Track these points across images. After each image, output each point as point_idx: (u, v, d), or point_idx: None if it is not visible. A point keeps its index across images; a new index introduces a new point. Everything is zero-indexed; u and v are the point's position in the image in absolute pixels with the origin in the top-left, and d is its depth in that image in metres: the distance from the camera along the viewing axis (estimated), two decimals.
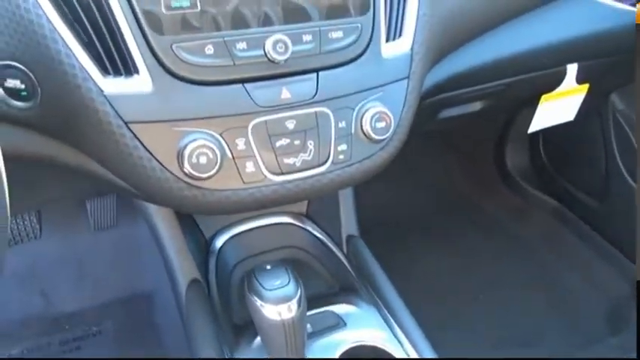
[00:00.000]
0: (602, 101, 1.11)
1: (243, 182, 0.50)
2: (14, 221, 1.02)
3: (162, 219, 0.70)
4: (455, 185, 1.32)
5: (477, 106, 0.89)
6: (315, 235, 0.78)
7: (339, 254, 0.77)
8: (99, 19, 0.45)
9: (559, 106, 0.91)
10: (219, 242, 0.73)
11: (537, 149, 1.33)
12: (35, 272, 1.02)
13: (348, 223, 0.79)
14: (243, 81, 0.50)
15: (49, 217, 1.03)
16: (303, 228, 0.78)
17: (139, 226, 0.95)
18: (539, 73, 0.83)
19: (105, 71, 0.46)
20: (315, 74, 0.52)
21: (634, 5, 0.83)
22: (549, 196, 1.34)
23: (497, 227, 1.26)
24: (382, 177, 0.61)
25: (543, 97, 0.88)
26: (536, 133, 1.14)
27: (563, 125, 0.97)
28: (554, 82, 0.87)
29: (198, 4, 0.47)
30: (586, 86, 0.90)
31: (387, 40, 0.56)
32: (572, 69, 0.86)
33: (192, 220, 0.75)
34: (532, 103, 0.91)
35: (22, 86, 0.46)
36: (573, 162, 1.26)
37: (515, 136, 1.32)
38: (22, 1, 0.44)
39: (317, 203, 0.80)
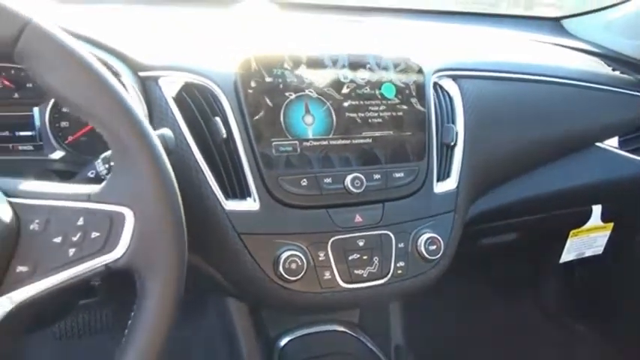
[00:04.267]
0: (629, 239, 1.20)
1: (321, 287, 0.62)
2: (87, 314, 1.13)
3: (238, 316, 0.81)
4: (493, 316, 1.36)
5: (512, 236, 1.01)
6: (366, 345, 0.86)
7: None
8: (228, 158, 0.62)
9: (587, 241, 1.01)
10: (282, 342, 0.83)
11: (572, 277, 1.38)
12: None
13: (397, 335, 0.87)
14: (326, 207, 0.64)
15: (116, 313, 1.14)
16: (355, 337, 0.87)
17: (190, 329, 1.05)
18: (567, 211, 0.95)
19: (227, 195, 0.62)
20: (381, 204, 0.66)
21: None
22: (587, 328, 1.36)
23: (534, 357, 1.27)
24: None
25: (572, 232, 0.99)
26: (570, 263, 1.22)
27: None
28: (581, 219, 0.99)
29: (298, 149, 0.64)
30: (611, 225, 1.01)
31: (438, 180, 0.71)
32: (596, 209, 0.98)
33: (262, 321, 0.86)
34: (562, 237, 1.02)
35: None
36: (608, 293, 1.31)
37: (548, 267, 1.39)
38: (179, 141, 0.61)
39: (368, 314, 0.89)
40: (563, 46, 1.09)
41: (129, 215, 0.41)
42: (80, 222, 0.40)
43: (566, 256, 1.01)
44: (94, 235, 0.40)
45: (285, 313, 0.83)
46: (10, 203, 0.39)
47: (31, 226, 0.39)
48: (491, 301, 1.33)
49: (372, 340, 0.86)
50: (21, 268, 0.39)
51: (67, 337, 1.06)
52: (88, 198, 0.41)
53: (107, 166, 0.51)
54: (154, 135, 0.43)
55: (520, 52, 0.99)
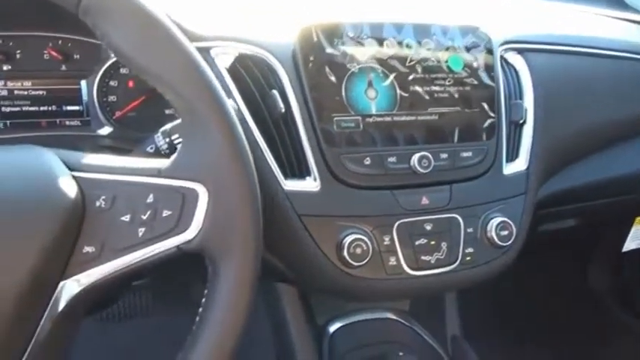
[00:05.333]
0: None
1: (386, 274, 0.58)
2: (128, 297, 1.11)
3: (288, 301, 0.78)
4: (539, 302, 1.31)
5: (570, 222, 0.95)
6: (419, 334, 0.82)
7: (444, 355, 0.80)
8: (286, 134, 0.58)
9: None
10: (331, 329, 0.79)
11: (620, 265, 1.32)
12: (139, 348, 1.09)
13: (453, 324, 0.83)
14: (391, 188, 0.59)
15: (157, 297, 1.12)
16: (409, 326, 0.82)
17: None
18: (633, 196, 0.89)
19: (286, 174, 0.58)
20: (449, 186, 0.62)
21: None
22: (635, 318, 1.30)
23: (585, 350, 1.22)
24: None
25: (638, 218, 0.92)
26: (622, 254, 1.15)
27: None
28: None
29: (361, 126, 0.59)
30: None
31: (507, 161, 0.66)
32: None
33: (310, 308, 0.82)
34: (625, 225, 0.96)
35: None
36: None
37: (598, 254, 1.32)
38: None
39: (421, 302, 0.85)
40: (626, 20, 1.02)
41: (202, 192, 0.37)
42: (150, 199, 0.36)
43: (630, 244, 0.95)
44: (166, 213, 0.36)
45: (334, 299, 0.80)
46: (74, 177, 0.36)
47: (97, 203, 0.36)
48: (540, 292, 1.28)
49: (426, 329, 0.82)
50: (87, 249, 0.35)
51: (106, 320, 1.04)
52: (159, 173, 0.37)
53: (168, 140, 0.47)
54: (229, 103, 0.38)
55: (584, 25, 0.93)
